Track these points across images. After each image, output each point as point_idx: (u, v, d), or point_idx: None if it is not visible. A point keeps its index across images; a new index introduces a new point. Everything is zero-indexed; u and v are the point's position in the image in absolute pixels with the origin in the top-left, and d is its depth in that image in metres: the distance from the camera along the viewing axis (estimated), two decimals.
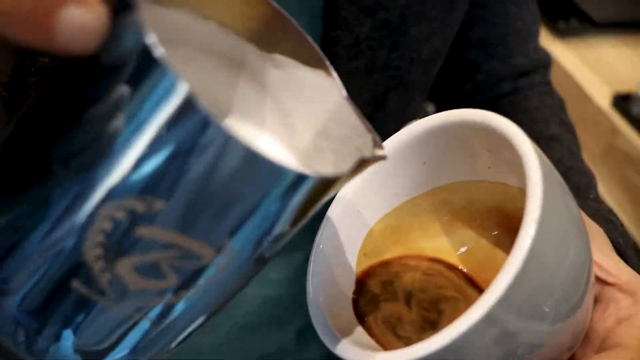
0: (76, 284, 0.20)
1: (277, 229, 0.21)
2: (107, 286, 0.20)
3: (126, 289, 0.20)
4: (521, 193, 0.26)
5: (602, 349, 0.27)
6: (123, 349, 0.22)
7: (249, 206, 0.20)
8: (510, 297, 0.22)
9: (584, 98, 0.69)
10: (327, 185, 0.21)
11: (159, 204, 0.19)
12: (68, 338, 0.21)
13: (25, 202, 0.20)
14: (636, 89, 0.67)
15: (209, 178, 0.19)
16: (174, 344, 0.24)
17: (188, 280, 0.21)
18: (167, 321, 0.22)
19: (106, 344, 0.22)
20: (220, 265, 0.21)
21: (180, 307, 0.22)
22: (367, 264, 0.31)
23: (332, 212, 0.29)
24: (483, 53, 0.52)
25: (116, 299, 0.21)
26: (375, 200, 0.31)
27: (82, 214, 0.19)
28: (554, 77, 0.53)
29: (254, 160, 0.19)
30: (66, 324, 0.21)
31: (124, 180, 0.19)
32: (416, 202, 0.31)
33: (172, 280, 0.21)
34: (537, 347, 0.24)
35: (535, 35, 0.55)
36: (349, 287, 0.30)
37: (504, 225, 0.30)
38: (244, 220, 0.20)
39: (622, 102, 0.64)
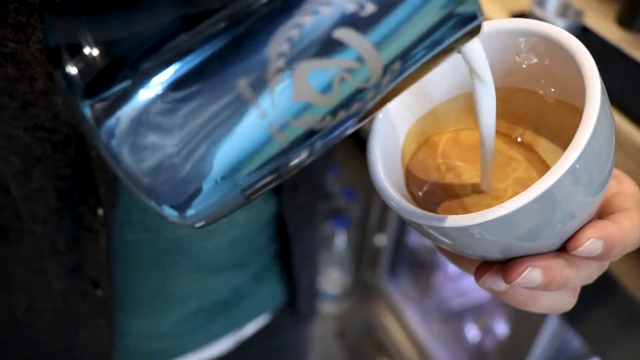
0: (242, 83, 0.18)
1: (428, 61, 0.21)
2: (272, 91, 0.19)
3: (288, 98, 0.19)
4: (558, 104, 0.29)
5: (601, 218, 0.29)
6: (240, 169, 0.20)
7: (429, 34, 0.20)
8: (579, 162, 0.23)
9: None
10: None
11: (370, 8, 0.18)
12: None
13: None
14: (530, 7, 0.70)
15: None
16: (275, 180, 0.22)
17: (343, 104, 0.20)
18: (298, 148, 0.21)
19: (234, 163, 0.20)
20: (372, 93, 0.20)
21: (315, 137, 0.21)
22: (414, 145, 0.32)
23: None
24: None
25: (269, 109, 0.19)
26: (415, 99, 0.31)
27: (279, 4, 0.18)
28: None
29: None
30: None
31: None
32: (453, 102, 0.32)
33: (332, 99, 0.20)
34: (570, 218, 0.26)
35: None
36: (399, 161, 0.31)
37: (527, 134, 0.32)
38: (420, 44, 0.20)
39: None
